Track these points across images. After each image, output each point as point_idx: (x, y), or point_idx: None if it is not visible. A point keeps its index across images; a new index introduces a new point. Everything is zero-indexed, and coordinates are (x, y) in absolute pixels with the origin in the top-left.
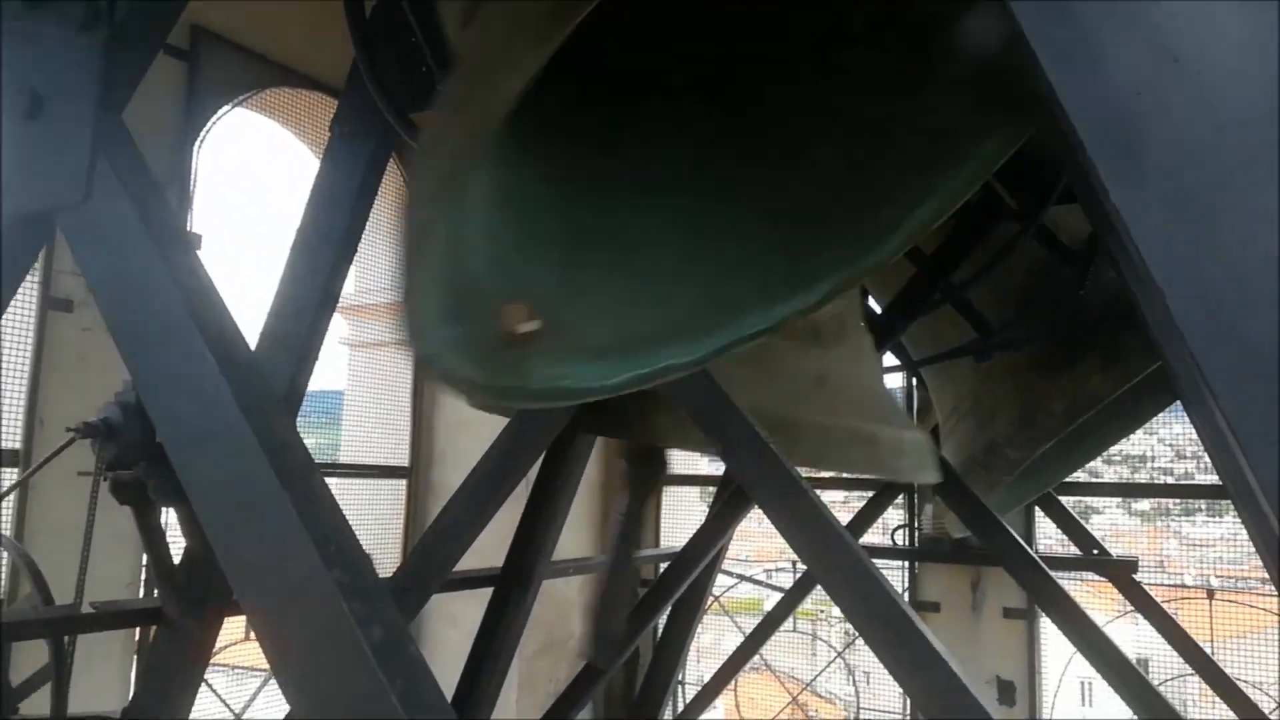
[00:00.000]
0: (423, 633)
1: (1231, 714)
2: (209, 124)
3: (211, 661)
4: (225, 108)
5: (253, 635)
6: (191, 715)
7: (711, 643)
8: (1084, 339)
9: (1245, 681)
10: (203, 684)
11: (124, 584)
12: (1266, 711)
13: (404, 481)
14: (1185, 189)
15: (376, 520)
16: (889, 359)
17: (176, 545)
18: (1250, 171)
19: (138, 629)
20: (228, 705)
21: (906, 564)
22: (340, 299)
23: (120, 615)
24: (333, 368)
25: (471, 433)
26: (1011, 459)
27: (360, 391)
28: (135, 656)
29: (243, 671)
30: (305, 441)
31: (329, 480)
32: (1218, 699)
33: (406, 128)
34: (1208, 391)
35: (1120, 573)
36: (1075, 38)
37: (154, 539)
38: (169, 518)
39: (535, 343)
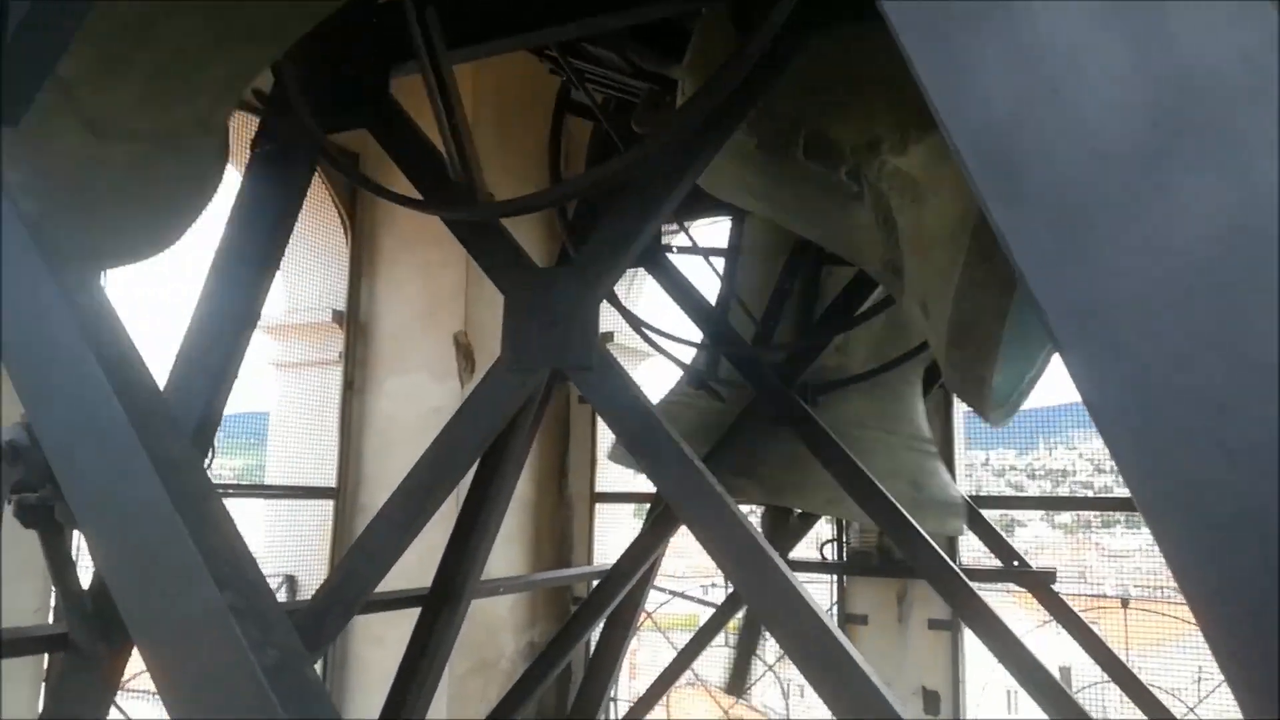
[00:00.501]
0: (349, 655)
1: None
2: None
3: (129, 688)
4: None
5: None
6: None
7: (648, 659)
8: None
9: (1158, 688)
10: (118, 711)
11: (31, 610)
12: (1179, 716)
13: (331, 503)
14: (1064, 216)
15: (302, 542)
16: None
17: (89, 570)
18: (1128, 202)
19: (46, 656)
20: None
21: (835, 578)
22: (268, 320)
23: (25, 642)
24: (260, 389)
25: (399, 454)
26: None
27: (287, 412)
28: (44, 684)
29: None
30: (231, 463)
31: (255, 502)
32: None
33: (326, 148)
34: (1091, 415)
35: (1039, 584)
36: (957, 64)
37: (60, 563)
38: (81, 543)
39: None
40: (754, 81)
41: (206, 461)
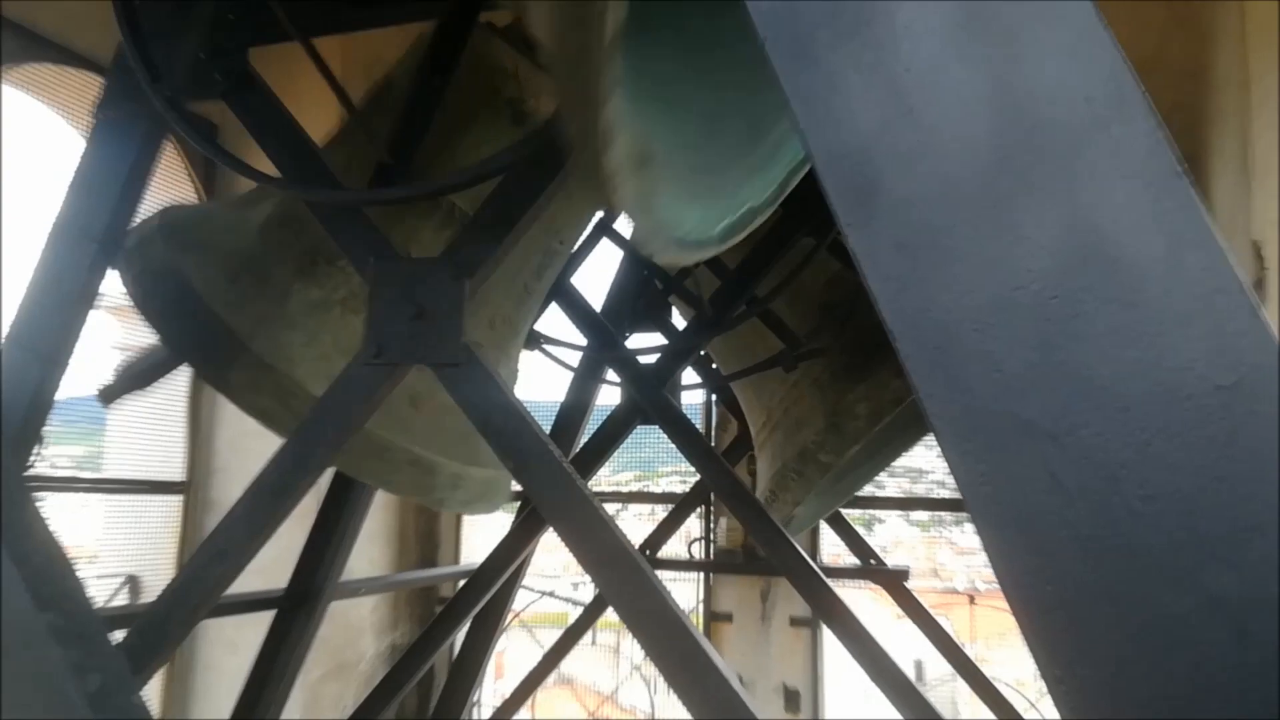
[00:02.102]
0: (197, 661)
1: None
2: None
3: None
4: None
5: None
6: None
7: (515, 659)
8: (881, 345)
9: (1002, 681)
10: None
11: None
12: (1022, 710)
13: (179, 498)
14: (914, 237)
15: (147, 539)
16: (689, 376)
17: None
18: (972, 228)
19: None
20: None
21: (702, 575)
22: (109, 299)
23: None
24: (101, 374)
25: (256, 445)
26: (823, 464)
27: (129, 398)
28: None
29: None
30: (65, 452)
31: (91, 496)
32: None
33: (176, 114)
34: (934, 432)
35: (893, 581)
36: (821, 83)
37: None
38: None
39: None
40: None
41: (35, 450)
